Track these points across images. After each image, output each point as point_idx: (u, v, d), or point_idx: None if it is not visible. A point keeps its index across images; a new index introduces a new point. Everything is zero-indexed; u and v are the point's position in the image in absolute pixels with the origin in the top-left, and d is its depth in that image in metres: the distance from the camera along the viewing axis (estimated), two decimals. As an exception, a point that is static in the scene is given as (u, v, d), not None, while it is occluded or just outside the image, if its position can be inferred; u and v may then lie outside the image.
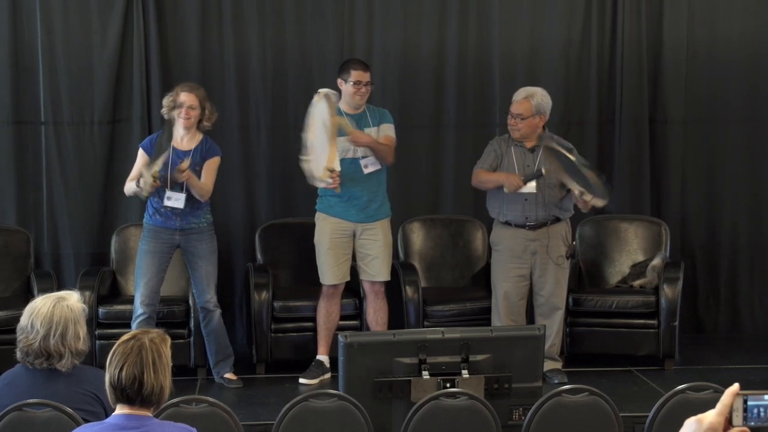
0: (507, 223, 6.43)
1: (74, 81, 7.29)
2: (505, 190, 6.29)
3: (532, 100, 6.38)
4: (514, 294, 6.42)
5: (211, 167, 6.32)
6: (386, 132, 6.42)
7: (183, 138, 6.32)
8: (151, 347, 3.25)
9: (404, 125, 7.09)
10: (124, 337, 3.31)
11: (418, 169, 7.57)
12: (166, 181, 6.19)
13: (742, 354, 7.16)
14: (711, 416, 1.87)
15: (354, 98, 6.36)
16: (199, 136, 6.36)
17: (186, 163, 6.11)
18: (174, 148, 6.26)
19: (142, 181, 6.09)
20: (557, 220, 6.43)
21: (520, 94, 6.45)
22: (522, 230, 6.38)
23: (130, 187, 6.27)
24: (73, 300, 3.93)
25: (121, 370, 3.22)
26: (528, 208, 6.37)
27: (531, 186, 6.31)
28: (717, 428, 1.86)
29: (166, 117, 6.33)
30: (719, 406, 1.87)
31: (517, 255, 6.40)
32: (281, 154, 7.49)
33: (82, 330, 3.91)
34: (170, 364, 3.31)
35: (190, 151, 6.30)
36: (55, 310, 3.86)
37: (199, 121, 6.34)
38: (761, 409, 1.89)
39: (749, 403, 1.88)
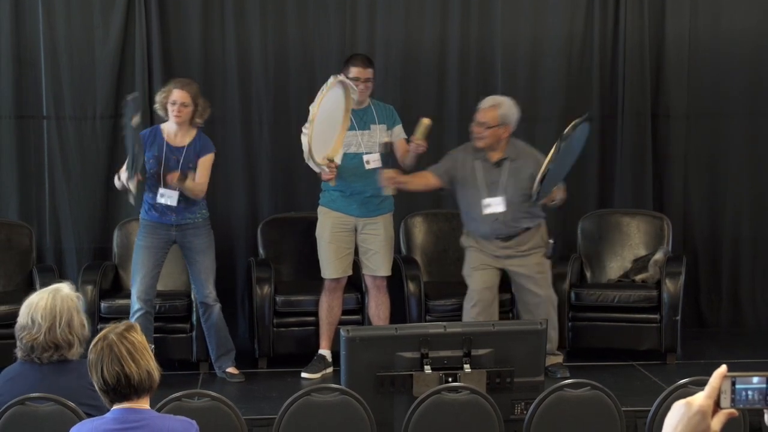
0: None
1: (76, 75, 7.30)
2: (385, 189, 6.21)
3: (498, 110, 6.25)
4: (489, 286, 6.34)
5: (205, 164, 6.31)
6: (401, 135, 6.43)
7: (176, 134, 6.31)
8: (120, 341, 3.24)
9: (406, 119, 7.08)
10: (92, 343, 3.31)
11: (420, 163, 7.55)
12: (159, 178, 6.21)
13: (744, 348, 7.15)
14: (700, 399, 1.87)
15: None
16: (193, 132, 6.35)
17: (175, 176, 6.12)
18: (168, 144, 6.26)
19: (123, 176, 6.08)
20: (527, 230, 6.32)
21: (487, 102, 6.32)
22: (496, 241, 6.34)
23: (117, 182, 6.26)
24: (67, 290, 3.94)
25: (102, 372, 3.22)
26: (498, 227, 6.28)
27: (500, 206, 6.23)
28: (706, 411, 1.86)
29: (160, 113, 6.32)
30: (707, 388, 1.87)
31: (490, 253, 6.34)
32: (283, 148, 7.49)
33: (84, 317, 3.93)
34: (147, 347, 3.30)
35: (183, 147, 6.30)
36: (55, 302, 3.87)
37: (192, 117, 6.33)
38: (749, 392, 1.90)
39: (737, 385, 1.89)
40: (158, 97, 6.34)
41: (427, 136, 6.28)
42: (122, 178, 6.11)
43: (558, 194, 6.23)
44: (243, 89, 7.47)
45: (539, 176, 5.96)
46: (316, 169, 6.17)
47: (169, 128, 6.31)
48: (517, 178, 6.25)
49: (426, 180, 6.39)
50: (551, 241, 6.41)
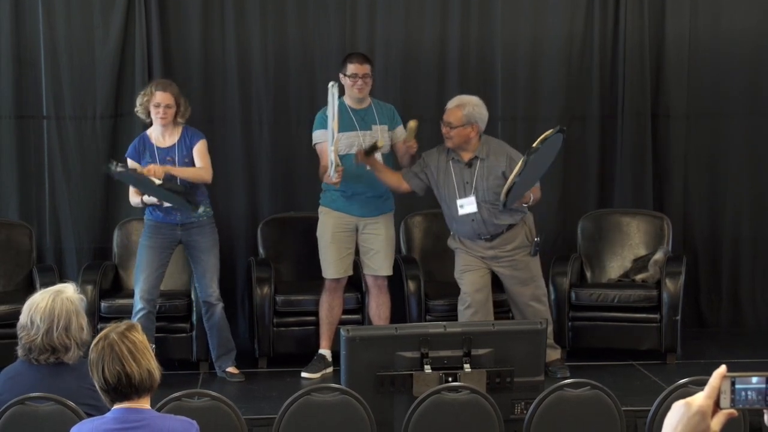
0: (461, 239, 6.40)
1: (76, 75, 7.30)
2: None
3: (463, 110, 6.21)
4: (481, 287, 6.32)
5: (201, 151, 6.31)
6: (402, 136, 6.43)
7: (163, 135, 6.31)
8: (121, 340, 3.24)
9: (406, 119, 7.08)
10: (93, 343, 3.31)
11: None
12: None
13: (744, 348, 7.15)
14: (700, 399, 1.87)
15: (352, 91, 6.36)
16: (178, 130, 6.34)
17: (157, 169, 6.14)
18: (158, 147, 6.28)
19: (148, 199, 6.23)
20: (511, 226, 6.29)
21: (453, 102, 6.30)
22: (479, 241, 6.34)
23: (135, 201, 6.35)
24: (70, 292, 3.92)
25: (103, 372, 3.22)
26: (477, 227, 6.26)
27: (472, 206, 6.22)
28: (706, 411, 1.86)
29: (140, 116, 6.32)
30: (707, 389, 1.87)
31: (476, 254, 6.34)
32: (283, 148, 7.50)
33: (84, 320, 3.91)
34: (148, 346, 3.30)
35: (174, 146, 6.30)
36: (54, 304, 3.86)
37: (175, 117, 6.31)
38: (749, 392, 1.90)
39: (737, 386, 1.89)
40: (139, 100, 6.33)
41: (416, 135, 6.31)
42: (146, 200, 6.22)
43: (532, 195, 6.20)
44: (243, 89, 7.47)
45: (505, 188, 5.97)
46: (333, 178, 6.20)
47: (155, 132, 6.32)
48: (489, 176, 6.23)
49: (398, 179, 6.39)
50: (537, 239, 6.35)
